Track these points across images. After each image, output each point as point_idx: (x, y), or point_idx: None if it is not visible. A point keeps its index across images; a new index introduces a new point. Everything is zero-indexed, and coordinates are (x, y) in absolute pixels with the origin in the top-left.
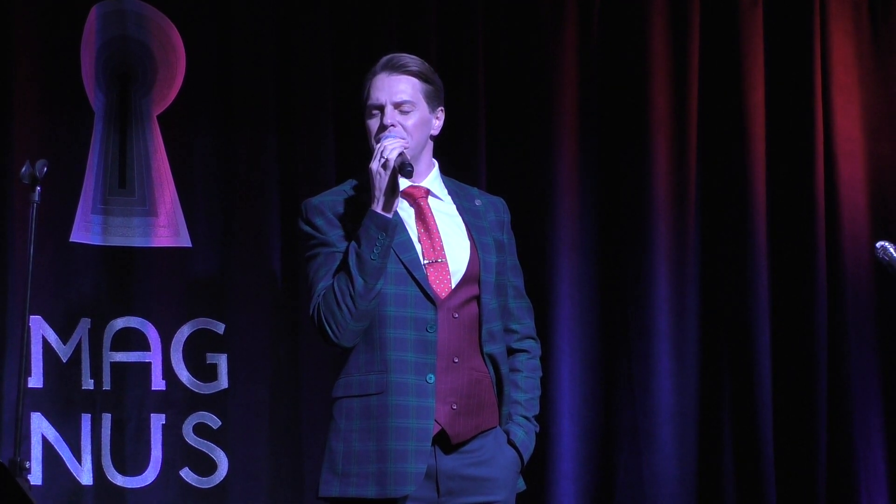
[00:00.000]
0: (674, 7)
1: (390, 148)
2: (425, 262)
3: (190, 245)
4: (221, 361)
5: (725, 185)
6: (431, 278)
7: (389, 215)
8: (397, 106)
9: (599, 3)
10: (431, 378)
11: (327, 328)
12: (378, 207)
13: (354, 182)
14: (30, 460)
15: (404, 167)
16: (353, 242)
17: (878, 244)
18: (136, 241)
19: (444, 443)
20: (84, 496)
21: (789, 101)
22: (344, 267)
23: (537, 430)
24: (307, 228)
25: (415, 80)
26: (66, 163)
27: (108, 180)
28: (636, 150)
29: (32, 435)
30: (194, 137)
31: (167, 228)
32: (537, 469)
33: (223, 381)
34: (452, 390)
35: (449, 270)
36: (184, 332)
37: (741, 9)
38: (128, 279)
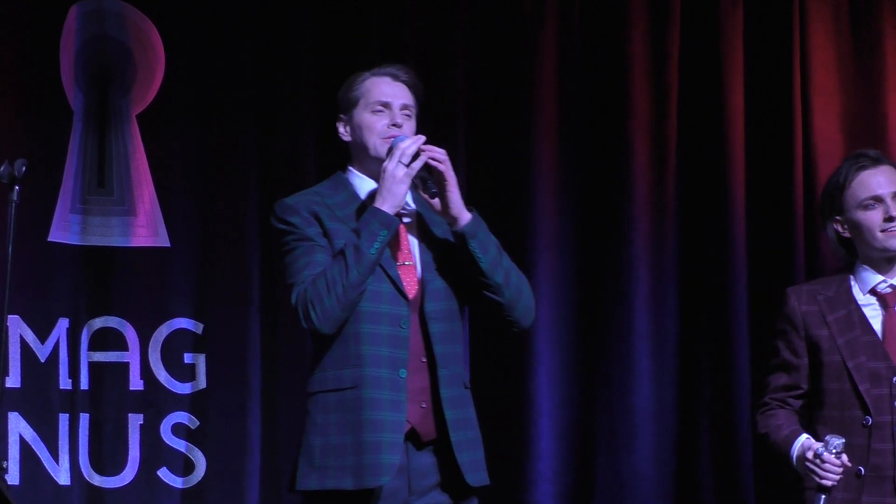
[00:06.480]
0: (654, 8)
1: (409, 153)
2: (397, 263)
3: (169, 245)
4: (200, 361)
5: (705, 187)
6: (403, 278)
7: (393, 214)
8: (403, 108)
9: (579, 3)
10: (403, 373)
11: (312, 313)
12: (383, 206)
13: (326, 184)
14: (7, 460)
15: (428, 187)
16: (350, 236)
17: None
18: (115, 241)
19: (416, 441)
20: (62, 496)
21: (769, 102)
22: (338, 258)
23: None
24: (283, 226)
25: (412, 95)
26: (45, 162)
27: (86, 180)
28: (616, 151)
29: (10, 434)
30: (173, 137)
31: (146, 228)
32: (515, 469)
33: (201, 381)
34: (422, 389)
35: (416, 272)
36: (162, 332)
37: (721, 11)
38: (106, 279)
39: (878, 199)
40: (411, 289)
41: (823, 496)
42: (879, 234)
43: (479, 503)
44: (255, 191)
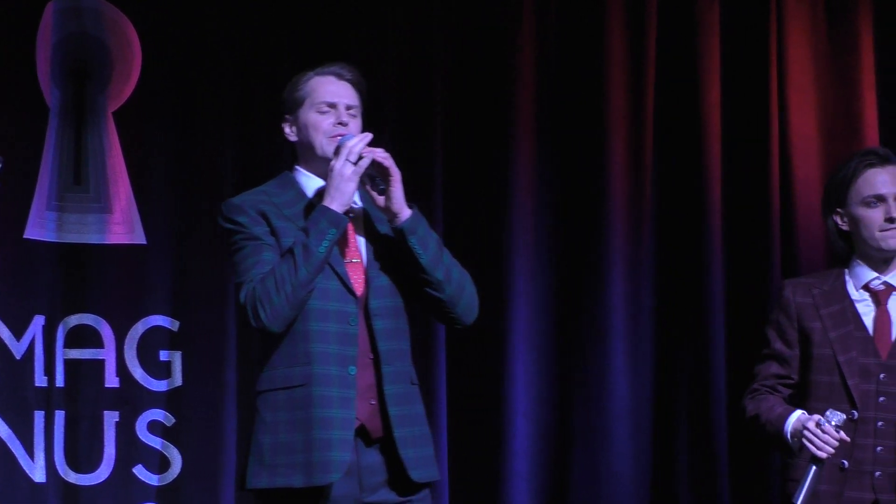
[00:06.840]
0: (631, 6)
1: (356, 152)
2: (344, 261)
3: (145, 242)
4: (176, 359)
5: (681, 185)
6: (350, 275)
7: (342, 213)
8: (348, 108)
9: (556, 2)
10: (353, 370)
11: (261, 311)
12: (332, 205)
13: (273, 183)
14: None
15: (377, 184)
16: (298, 235)
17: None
18: (91, 238)
19: (365, 438)
20: (37, 494)
21: (745, 100)
22: (287, 257)
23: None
24: (230, 226)
25: (357, 94)
26: (21, 159)
27: (63, 177)
28: (593, 149)
29: None
30: (150, 134)
31: (122, 225)
32: (491, 467)
33: (177, 379)
34: (370, 386)
35: (363, 269)
36: (138, 329)
37: (698, 8)
38: (82, 276)
39: (881, 199)
40: (359, 286)
41: (814, 467)
42: (878, 234)
43: (431, 498)
44: (232, 188)
